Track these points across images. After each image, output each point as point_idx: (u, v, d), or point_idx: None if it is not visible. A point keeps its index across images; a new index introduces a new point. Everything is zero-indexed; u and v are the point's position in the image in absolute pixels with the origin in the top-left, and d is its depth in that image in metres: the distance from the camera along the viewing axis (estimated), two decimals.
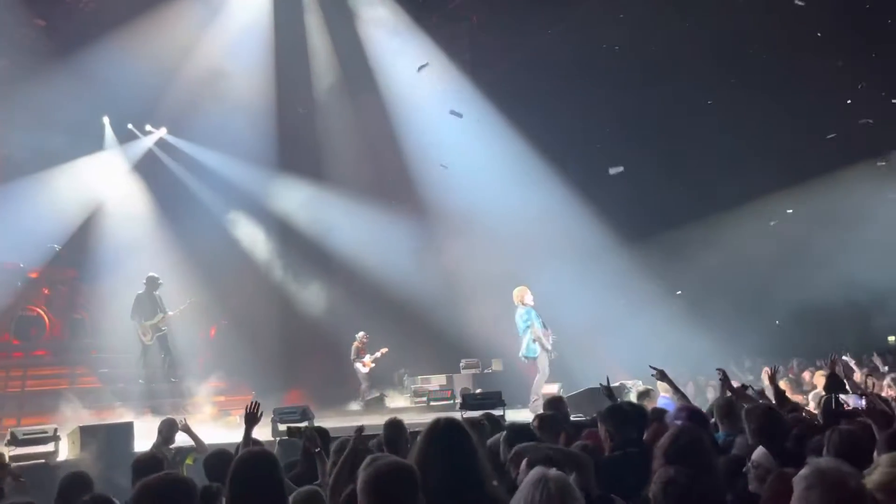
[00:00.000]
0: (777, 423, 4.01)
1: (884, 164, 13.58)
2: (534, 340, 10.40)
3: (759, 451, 3.37)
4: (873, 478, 2.69)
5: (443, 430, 3.03)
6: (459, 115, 14.07)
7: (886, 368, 9.01)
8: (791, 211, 14.15)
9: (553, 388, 10.41)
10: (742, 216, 13.92)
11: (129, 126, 14.39)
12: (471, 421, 5.05)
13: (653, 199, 14.26)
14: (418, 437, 3.15)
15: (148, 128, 14.67)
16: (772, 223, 14.22)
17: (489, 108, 14.67)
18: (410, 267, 14.72)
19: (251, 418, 4.71)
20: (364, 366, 13.82)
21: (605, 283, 13.74)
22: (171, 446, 6.85)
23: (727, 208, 13.94)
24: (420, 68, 14.05)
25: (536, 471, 2.35)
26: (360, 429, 4.25)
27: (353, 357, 13.91)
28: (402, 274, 14.65)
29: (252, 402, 4.76)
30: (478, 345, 13.79)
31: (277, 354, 14.30)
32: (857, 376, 6.71)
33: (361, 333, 13.99)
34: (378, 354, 13.97)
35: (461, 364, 13.43)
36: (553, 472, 2.34)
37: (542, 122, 14.20)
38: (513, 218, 14.14)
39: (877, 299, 12.42)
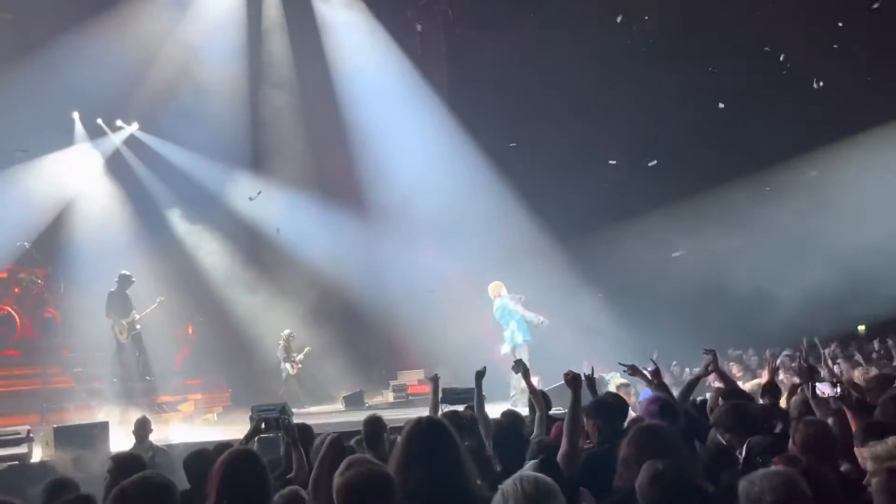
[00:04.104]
0: (752, 419, 4.06)
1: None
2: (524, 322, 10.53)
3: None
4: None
5: (424, 430, 2.98)
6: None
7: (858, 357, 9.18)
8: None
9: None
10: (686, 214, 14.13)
11: (99, 121, 14.15)
12: (454, 414, 5.07)
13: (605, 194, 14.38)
14: (399, 437, 3.11)
15: (119, 123, 14.44)
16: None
17: (439, 106, 14.63)
18: (381, 267, 14.64)
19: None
20: (292, 366, 13.41)
21: (572, 279, 13.86)
22: (156, 444, 6.76)
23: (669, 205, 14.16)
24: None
25: (517, 474, 2.35)
26: (335, 440, 3.91)
27: (282, 357, 13.46)
28: (375, 275, 14.61)
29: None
30: (453, 341, 13.72)
31: (255, 352, 14.22)
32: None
33: (287, 331, 13.62)
34: (305, 352, 13.67)
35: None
36: (529, 472, 2.34)
37: (488, 122, 14.28)
38: (470, 217, 14.13)
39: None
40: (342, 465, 2.72)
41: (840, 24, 13.06)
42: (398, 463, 2.83)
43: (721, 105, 13.64)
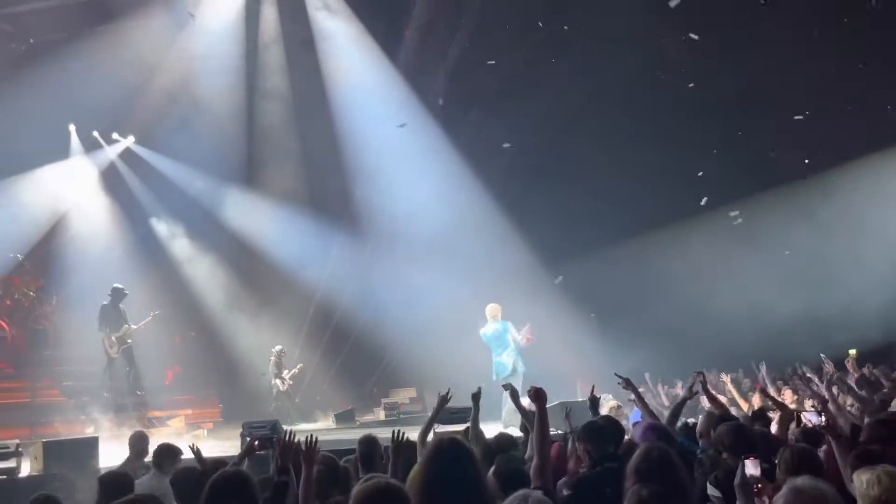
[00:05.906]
0: (751, 439, 4.08)
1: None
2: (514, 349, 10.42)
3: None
4: (874, 492, 2.72)
5: (447, 451, 2.96)
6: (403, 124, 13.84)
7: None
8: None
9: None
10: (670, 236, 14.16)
11: (95, 134, 14.15)
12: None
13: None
14: (421, 459, 3.10)
15: (115, 136, 14.45)
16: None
17: (435, 126, 14.64)
18: (374, 285, 14.65)
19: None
20: (283, 382, 13.31)
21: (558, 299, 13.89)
22: (146, 459, 6.70)
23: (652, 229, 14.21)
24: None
25: (520, 491, 2.39)
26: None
27: (273, 373, 13.35)
28: (369, 292, 14.62)
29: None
30: (446, 360, 13.65)
31: (247, 368, 14.16)
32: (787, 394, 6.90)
33: (279, 347, 13.54)
34: (296, 370, 13.60)
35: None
36: (536, 493, 2.38)
37: (479, 143, 14.33)
38: (456, 237, 14.11)
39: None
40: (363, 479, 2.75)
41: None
42: (420, 485, 2.81)
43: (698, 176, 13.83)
